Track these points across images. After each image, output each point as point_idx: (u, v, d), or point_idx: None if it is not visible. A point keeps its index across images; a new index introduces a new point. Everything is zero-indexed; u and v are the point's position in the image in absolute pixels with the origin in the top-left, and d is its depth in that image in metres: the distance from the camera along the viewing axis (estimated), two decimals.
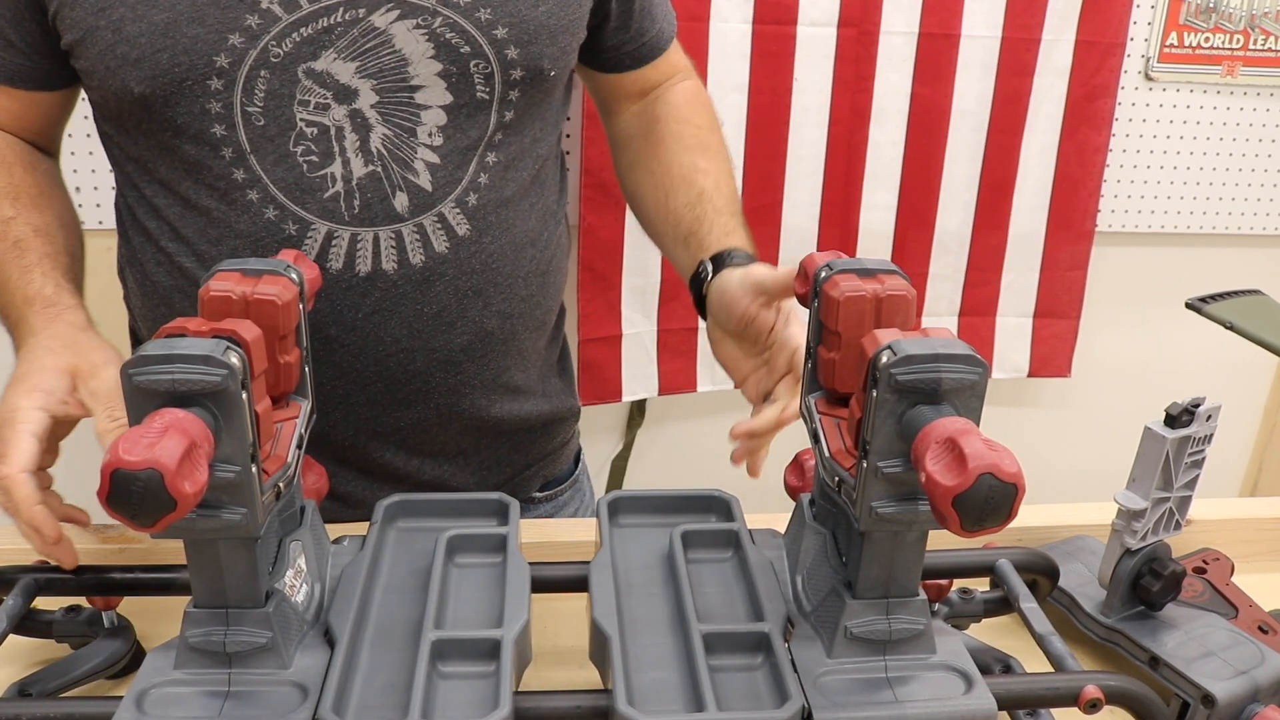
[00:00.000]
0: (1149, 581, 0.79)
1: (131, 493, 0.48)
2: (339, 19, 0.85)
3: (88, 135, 1.80)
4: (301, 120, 0.86)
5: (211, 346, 0.54)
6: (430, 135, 0.89)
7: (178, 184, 0.90)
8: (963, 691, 0.62)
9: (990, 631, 0.84)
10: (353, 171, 0.88)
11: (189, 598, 0.63)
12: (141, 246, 0.96)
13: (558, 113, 1.01)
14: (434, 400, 0.97)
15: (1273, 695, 0.75)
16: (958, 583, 0.82)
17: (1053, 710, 0.68)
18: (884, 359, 0.56)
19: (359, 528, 0.76)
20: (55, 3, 0.85)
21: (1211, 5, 1.96)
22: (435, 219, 0.90)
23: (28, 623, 0.78)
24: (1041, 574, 0.82)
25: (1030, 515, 0.95)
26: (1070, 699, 0.65)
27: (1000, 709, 0.62)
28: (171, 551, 0.83)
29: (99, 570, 0.78)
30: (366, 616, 0.67)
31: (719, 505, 0.78)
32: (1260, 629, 0.80)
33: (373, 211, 0.89)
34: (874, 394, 0.57)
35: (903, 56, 1.90)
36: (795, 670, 0.62)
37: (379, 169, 0.88)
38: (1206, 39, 1.99)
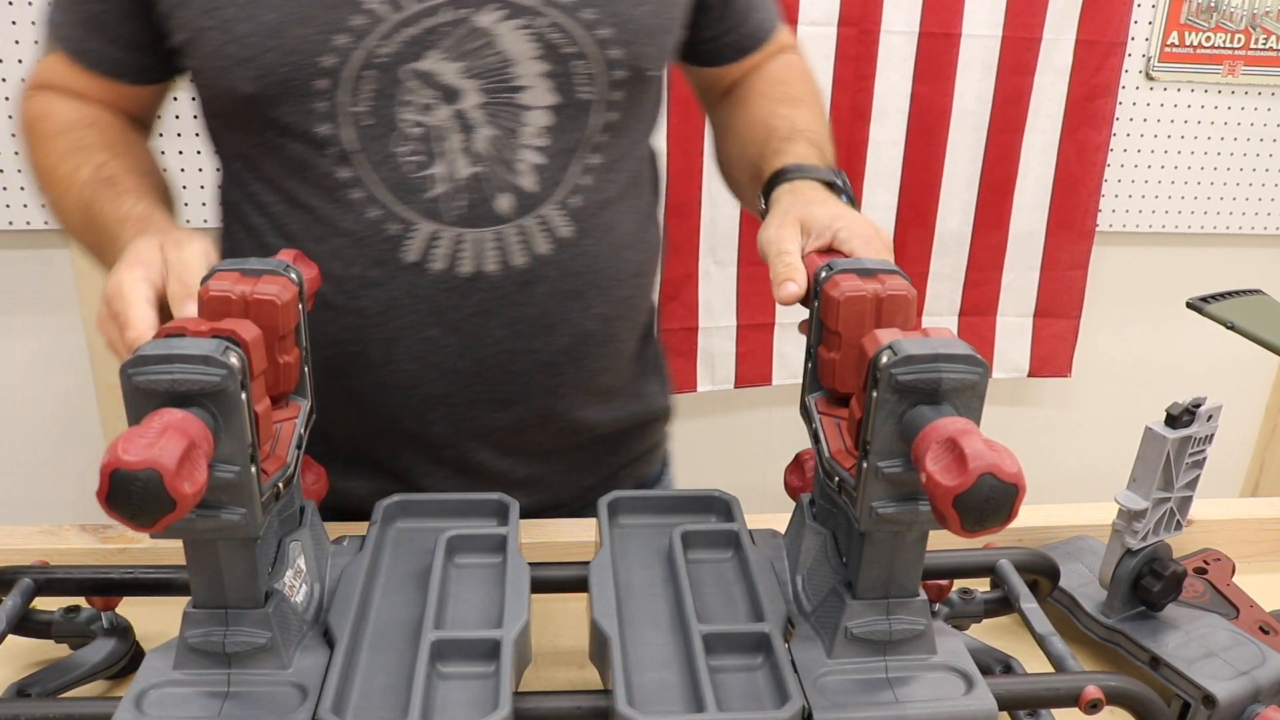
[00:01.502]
0: (1150, 582, 0.79)
1: (131, 493, 0.48)
2: (444, 19, 0.84)
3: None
4: (406, 121, 0.86)
5: (211, 346, 0.54)
6: (534, 136, 0.88)
7: (283, 181, 0.90)
8: (963, 692, 0.62)
9: (991, 632, 0.84)
10: (457, 172, 0.87)
11: (188, 598, 0.62)
12: (245, 242, 0.96)
13: (653, 113, 1.01)
14: (532, 402, 0.96)
15: (1273, 696, 0.74)
16: (958, 583, 0.82)
17: (1053, 711, 0.68)
18: (884, 359, 0.56)
19: (359, 527, 0.76)
20: (166, 3, 0.86)
21: (1212, 4, 1.96)
22: (538, 220, 0.90)
23: (27, 623, 0.78)
24: (1042, 574, 0.82)
25: (1030, 515, 0.96)
26: (1071, 699, 0.65)
27: (1001, 709, 0.62)
28: (171, 552, 0.83)
29: (98, 570, 0.78)
30: (366, 617, 0.67)
31: (719, 505, 0.78)
32: (1261, 629, 0.80)
33: (476, 213, 0.88)
34: (874, 394, 0.57)
35: (903, 56, 1.90)
36: (795, 670, 0.62)
37: (483, 170, 0.88)
38: (1207, 38, 1.99)
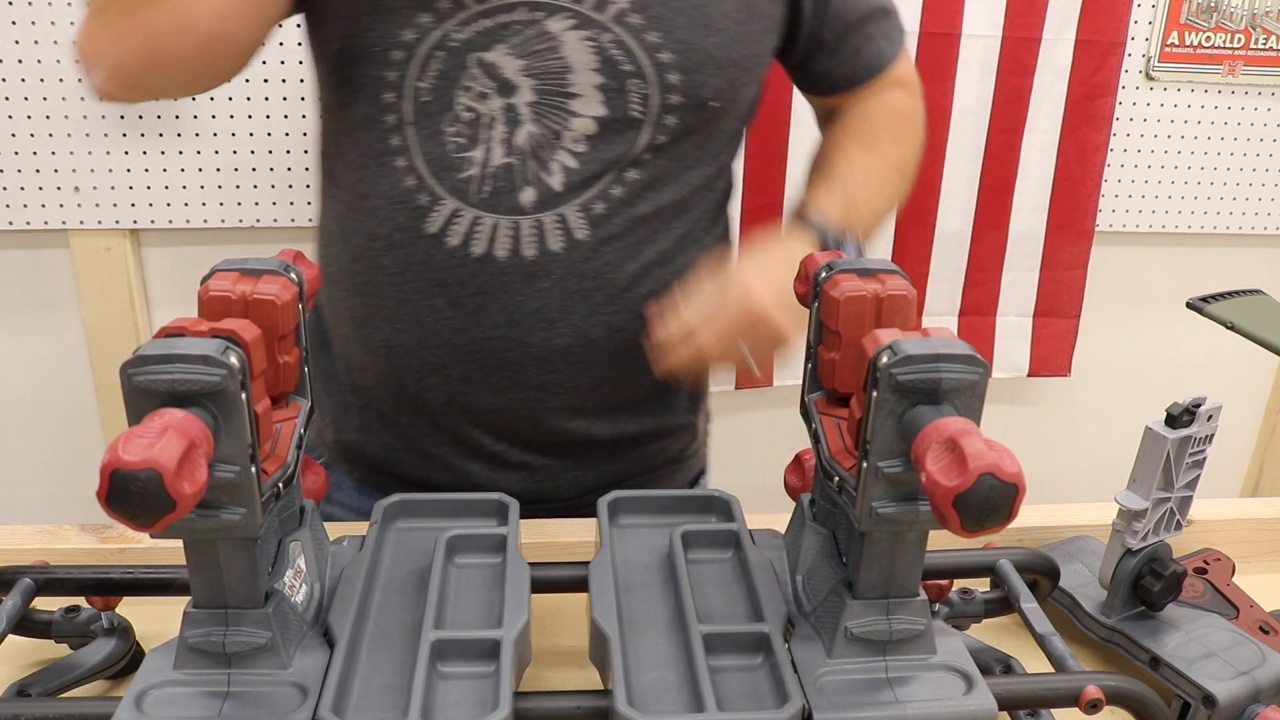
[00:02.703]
0: (1150, 582, 0.79)
1: (131, 493, 0.48)
2: (518, 17, 0.88)
3: (105, 135, 1.81)
4: (461, 104, 0.90)
5: (211, 346, 0.54)
6: (575, 142, 0.91)
7: (349, 133, 0.96)
8: (963, 692, 0.62)
9: (991, 632, 0.84)
10: (492, 159, 0.91)
11: (188, 598, 0.62)
12: (323, 184, 1.03)
13: (724, 144, 1.01)
14: (524, 393, 0.98)
15: (1273, 696, 0.74)
16: (958, 583, 0.82)
17: (1053, 711, 0.68)
18: (884, 359, 0.56)
19: (359, 527, 0.76)
20: None
21: (1212, 4, 1.96)
22: (556, 218, 0.92)
23: (27, 623, 0.78)
24: (1042, 574, 0.82)
25: (1031, 515, 0.96)
26: (1071, 699, 0.65)
27: (1001, 709, 0.62)
28: (171, 552, 0.83)
29: (98, 570, 0.78)
30: (366, 617, 0.67)
31: (719, 505, 0.78)
32: (1261, 629, 0.80)
33: (499, 200, 0.92)
34: (874, 394, 0.57)
35: None
36: (795, 670, 0.62)
37: (515, 162, 0.91)
38: (1207, 38, 1.99)
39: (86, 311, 1.95)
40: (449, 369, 0.97)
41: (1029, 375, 2.17)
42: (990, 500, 0.50)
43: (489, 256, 0.92)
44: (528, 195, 0.91)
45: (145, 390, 0.54)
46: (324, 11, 0.92)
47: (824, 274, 0.68)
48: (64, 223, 1.88)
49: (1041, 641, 0.74)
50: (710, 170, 1.00)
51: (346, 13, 0.90)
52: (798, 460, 0.76)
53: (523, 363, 0.96)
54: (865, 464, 0.58)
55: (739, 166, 1.92)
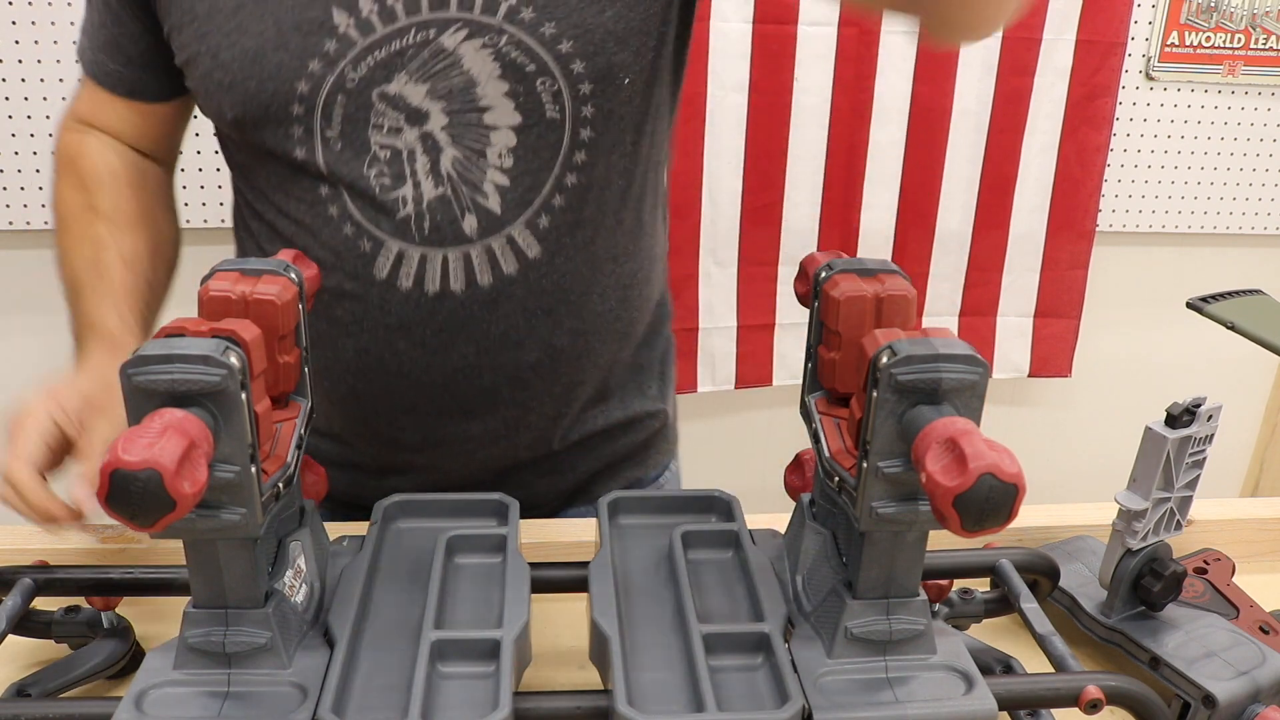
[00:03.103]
0: (1150, 582, 0.79)
1: (131, 493, 0.48)
2: (410, 41, 0.85)
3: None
4: (376, 144, 0.87)
5: (211, 346, 0.54)
6: (500, 156, 0.88)
7: (272, 194, 0.93)
8: (963, 692, 0.62)
9: (991, 632, 0.84)
10: (423, 194, 0.88)
11: (188, 598, 0.62)
12: (247, 243, 1.00)
13: (654, 118, 0.96)
14: (501, 413, 0.97)
15: (1274, 696, 0.74)
16: (958, 583, 0.82)
17: (1053, 711, 0.68)
18: (884, 359, 0.56)
19: (359, 527, 0.76)
20: (168, 24, 0.89)
21: (1213, 4, 1.96)
22: (504, 241, 0.90)
23: (27, 623, 0.78)
24: (1042, 574, 0.82)
25: (1030, 515, 0.95)
26: (1071, 699, 0.65)
27: (1001, 709, 0.62)
28: (171, 552, 0.83)
29: (98, 570, 0.78)
30: (366, 617, 0.67)
31: (719, 505, 0.78)
32: (1261, 629, 0.80)
33: (442, 234, 0.89)
34: (874, 394, 0.57)
35: (903, 56, 1.91)
36: (795, 670, 0.62)
37: (448, 191, 0.88)
38: (1207, 38, 1.99)
39: None
40: (420, 407, 0.96)
41: (1029, 375, 2.17)
42: (990, 500, 0.50)
43: (445, 292, 0.90)
44: (470, 223, 0.89)
45: (145, 390, 0.54)
46: (204, 84, 0.89)
47: (824, 274, 0.68)
48: None
49: (1041, 641, 0.74)
50: (646, 149, 0.97)
51: (230, 79, 0.87)
52: (798, 460, 0.76)
53: (495, 386, 0.95)
54: (865, 464, 0.58)
55: (729, 161, 1.92)
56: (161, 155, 1.05)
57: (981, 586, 0.83)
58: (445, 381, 0.94)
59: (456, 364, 0.93)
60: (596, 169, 0.91)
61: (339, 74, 0.85)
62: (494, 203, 0.89)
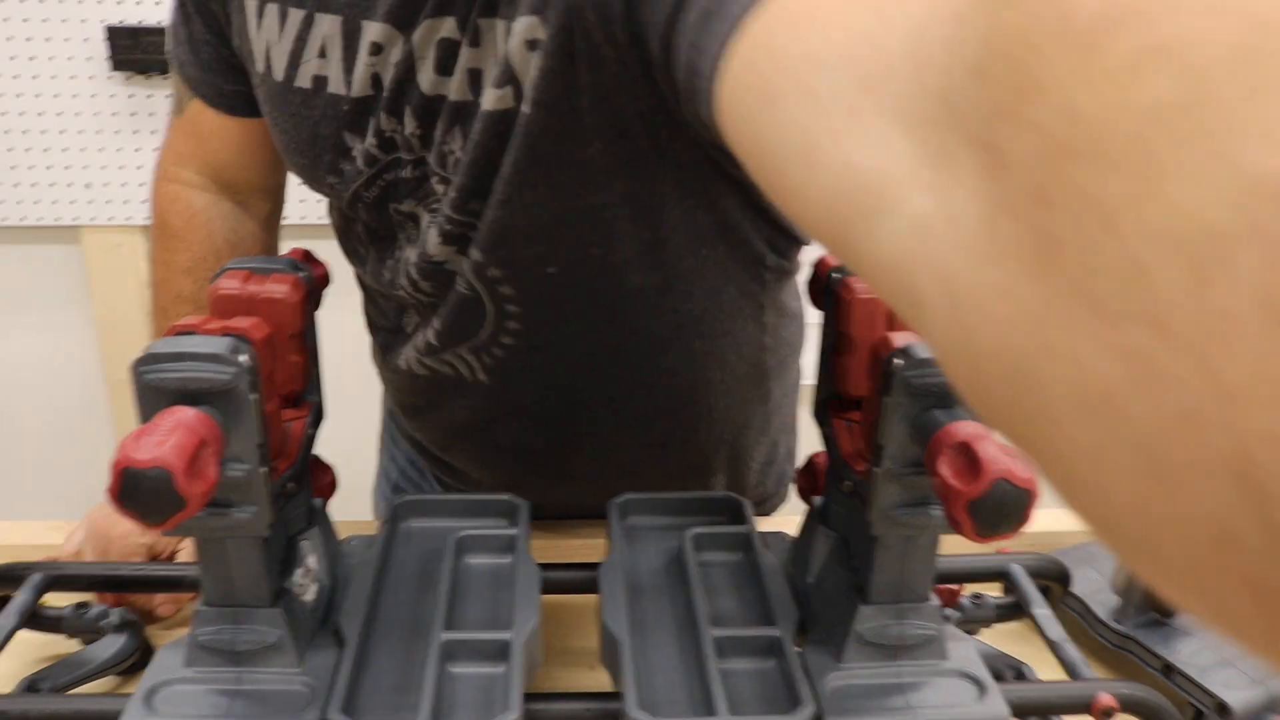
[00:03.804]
0: None
1: (140, 491, 0.48)
2: (405, 174, 0.81)
3: (116, 132, 1.81)
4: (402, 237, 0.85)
5: (221, 344, 0.54)
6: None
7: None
8: (976, 698, 0.62)
9: (1003, 637, 0.84)
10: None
11: (198, 594, 0.62)
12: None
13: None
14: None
15: None
16: (970, 588, 0.81)
17: (1066, 718, 0.68)
18: (898, 362, 0.56)
19: (368, 527, 0.76)
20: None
21: None
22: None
23: (37, 618, 0.78)
24: (1053, 579, 0.82)
25: (1042, 519, 0.94)
26: (1083, 706, 0.65)
27: (1013, 716, 0.61)
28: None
29: (108, 566, 0.78)
30: (376, 616, 0.67)
31: (730, 507, 0.77)
32: None
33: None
34: (887, 398, 0.56)
35: None
36: (807, 675, 0.62)
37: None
38: None
39: (98, 307, 1.96)
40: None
41: None
42: (1005, 506, 0.49)
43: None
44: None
45: (155, 388, 0.53)
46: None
47: (837, 276, 0.67)
48: (76, 219, 1.89)
49: (1054, 648, 0.73)
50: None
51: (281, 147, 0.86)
52: (810, 463, 0.75)
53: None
54: (878, 468, 0.58)
55: None
56: (272, 187, 1.00)
57: (993, 591, 0.83)
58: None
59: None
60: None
61: (354, 192, 0.83)
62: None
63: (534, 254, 0.78)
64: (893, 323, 0.64)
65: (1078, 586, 0.84)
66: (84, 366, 2.05)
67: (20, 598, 0.75)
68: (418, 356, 0.89)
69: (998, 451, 0.50)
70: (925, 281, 0.27)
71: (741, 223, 0.82)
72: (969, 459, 0.51)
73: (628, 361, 0.87)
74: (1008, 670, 0.76)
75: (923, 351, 0.56)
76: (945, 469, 0.51)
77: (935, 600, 0.64)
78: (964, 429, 0.52)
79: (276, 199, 1.01)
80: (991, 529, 0.50)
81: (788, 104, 0.37)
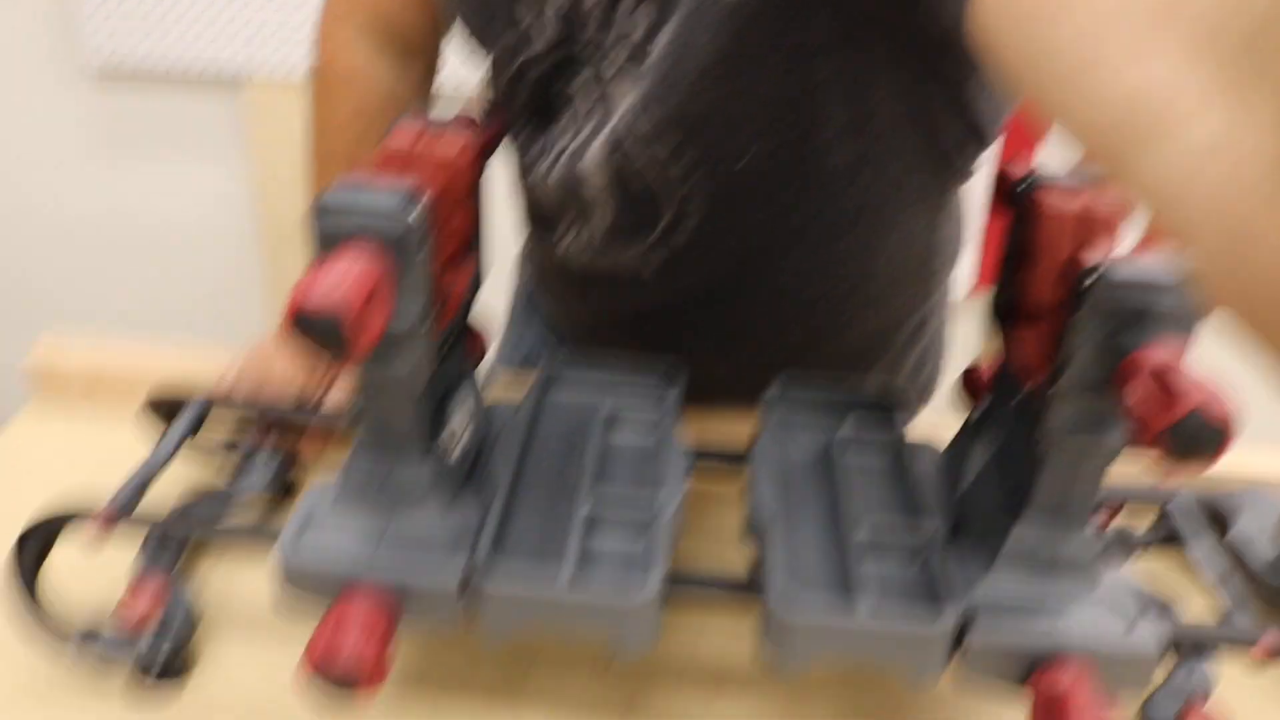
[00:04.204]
0: None
1: (311, 334, 0.49)
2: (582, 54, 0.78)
3: None
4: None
5: (395, 197, 0.54)
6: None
7: None
8: (1125, 627, 0.60)
9: (1148, 573, 0.81)
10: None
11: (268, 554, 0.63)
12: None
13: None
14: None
15: None
16: (1121, 518, 0.78)
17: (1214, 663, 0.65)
18: (1092, 280, 0.53)
19: (517, 391, 0.76)
20: None
21: None
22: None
23: (196, 445, 0.81)
24: (1213, 521, 0.78)
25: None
26: (1243, 647, 0.62)
27: (1163, 651, 0.59)
28: None
29: (263, 404, 0.80)
30: (522, 478, 0.67)
31: (884, 408, 0.75)
32: None
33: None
34: (1077, 314, 0.53)
35: None
36: (952, 583, 0.60)
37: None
38: None
39: (255, 160, 1.99)
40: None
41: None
42: (1197, 440, 0.46)
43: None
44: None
45: (329, 236, 0.54)
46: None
47: (1026, 184, 0.63)
48: (238, 70, 1.91)
49: (1209, 588, 0.70)
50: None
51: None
52: (971, 371, 0.72)
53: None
54: (1056, 385, 0.55)
55: None
56: (436, 46, 0.98)
57: (1142, 525, 0.79)
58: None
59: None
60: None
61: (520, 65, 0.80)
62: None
63: (728, 146, 0.75)
64: (1083, 239, 0.61)
65: (1235, 533, 0.80)
66: (239, 217, 2.10)
67: (182, 422, 0.77)
68: (575, 253, 0.88)
69: (1197, 382, 0.47)
70: (1200, 208, 0.30)
71: (939, 114, 0.78)
72: (1165, 386, 0.47)
73: (802, 249, 0.84)
74: (1153, 605, 0.73)
75: (1120, 272, 0.52)
76: (1138, 394, 0.48)
77: (1094, 524, 0.62)
78: (1161, 354, 0.49)
79: (434, 61, 0.99)
80: (1179, 461, 0.47)
81: (1066, 22, 0.38)
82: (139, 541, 0.71)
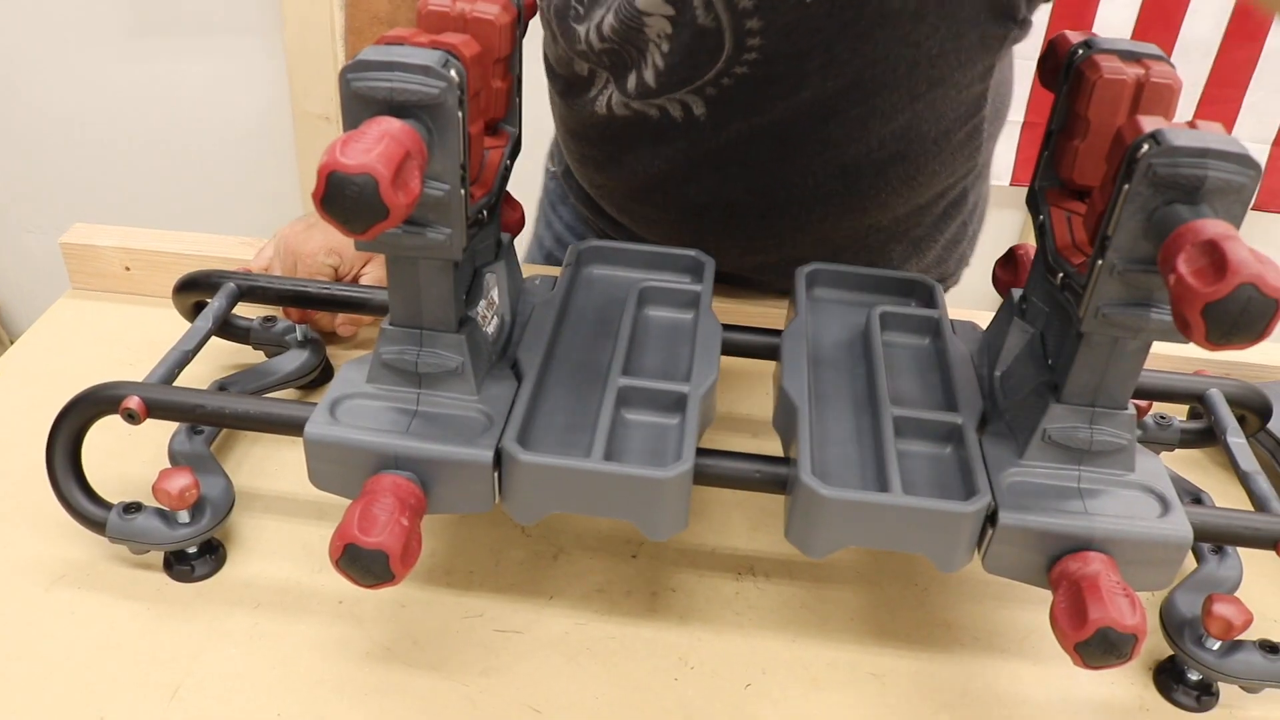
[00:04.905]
0: None
1: (346, 196, 0.48)
2: None
3: None
4: None
5: (431, 57, 0.52)
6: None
7: None
8: (1158, 514, 0.59)
9: (1180, 463, 0.80)
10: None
11: (300, 437, 0.62)
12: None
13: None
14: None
15: None
16: (1155, 407, 0.78)
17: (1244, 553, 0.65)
18: (1145, 147, 0.51)
19: (552, 270, 0.76)
20: None
21: None
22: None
23: (228, 327, 0.81)
24: (1252, 411, 0.77)
25: (1253, 348, 0.89)
26: (1271, 542, 0.62)
27: (1195, 539, 0.59)
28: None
29: (296, 283, 0.80)
30: (554, 355, 0.67)
31: (921, 290, 0.74)
32: None
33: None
34: (1126, 186, 0.52)
35: None
36: (985, 466, 0.60)
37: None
38: None
39: (288, 35, 1.97)
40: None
41: (1253, 209, 2.01)
42: (1246, 313, 0.45)
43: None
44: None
45: (364, 97, 0.52)
46: None
47: (1080, 52, 0.61)
48: None
49: (1245, 479, 0.69)
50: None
51: None
52: (1011, 254, 0.71)
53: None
54: (1101, 260, 0.54)
55: None
56: None
57: (1178, 414, 0.79)
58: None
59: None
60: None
61: None
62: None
63: None
64: (1138, 108, 0.59)
65: (1274, 424, 0.79)
66: (272, 93, 2.08)
67: (214, 305, 0.77)
68: (624, 100, 0.87)
69: (1248, 255, 0.46)
70: None
71: None
72: (1214, 258, 0.46)
73: (853, 98, 0.83)
74: (1185, 495, 0.73)
75: (1175, 138, 0.51)
76: (1185, 266, 0.47)
77: (1132, 410, 0.61)
78: (1212, 227, 0.48)
79: None
80: (1226, 336, 0.46)
81: None
82: (175, 422, 0.72)
